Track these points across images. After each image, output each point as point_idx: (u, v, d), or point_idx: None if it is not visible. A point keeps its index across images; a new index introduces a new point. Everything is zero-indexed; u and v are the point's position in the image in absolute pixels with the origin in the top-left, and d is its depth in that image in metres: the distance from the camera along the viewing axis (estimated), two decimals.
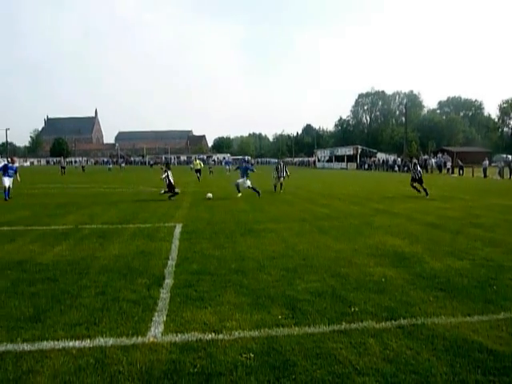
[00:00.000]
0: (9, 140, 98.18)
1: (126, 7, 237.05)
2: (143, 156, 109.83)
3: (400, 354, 3.23)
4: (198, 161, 31.53)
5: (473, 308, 4.19)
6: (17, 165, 16.90)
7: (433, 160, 47.49)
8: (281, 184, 18.63)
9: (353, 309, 4.15)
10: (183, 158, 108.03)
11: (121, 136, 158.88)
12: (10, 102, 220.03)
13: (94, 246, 7.15)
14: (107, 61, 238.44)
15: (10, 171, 15.74)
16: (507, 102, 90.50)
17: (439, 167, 44.68)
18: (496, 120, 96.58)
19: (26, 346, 3.34)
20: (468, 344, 3.39)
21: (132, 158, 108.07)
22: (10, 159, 17.70)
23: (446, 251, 6.74)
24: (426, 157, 51.03)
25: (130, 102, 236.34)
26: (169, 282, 5.04)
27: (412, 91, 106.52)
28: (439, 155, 50.61)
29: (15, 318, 3.92)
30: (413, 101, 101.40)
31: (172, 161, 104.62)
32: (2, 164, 16.44)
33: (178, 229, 8.81)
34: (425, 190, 16.36)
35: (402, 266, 5.81)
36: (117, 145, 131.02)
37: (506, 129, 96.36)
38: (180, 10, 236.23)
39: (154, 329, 3.68)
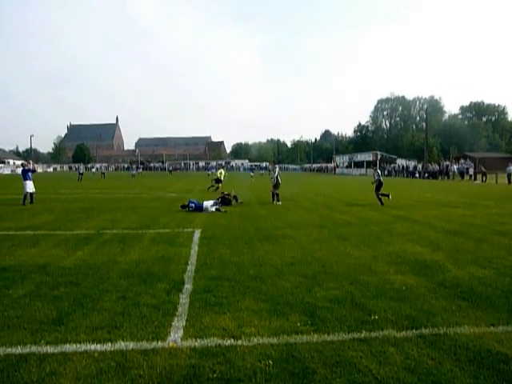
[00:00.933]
0: (33, 146, 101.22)
1: (144, 17, 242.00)
2: (163, 162, 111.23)
3: (422, 364, 3.17)
4: (222, 170, 25.77)
5: (497, 318, 4.08)
6: (31, 167, 17.30)
7: (455, 166, 46.55)
8: (274, 194, 16.20)
9: (373, 317, 4.10)
10: (202, 163, 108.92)
11: (141, 142, 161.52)
12: (35, 109, 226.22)
13: (114, 250, 7.27)
14: (127, 69, 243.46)
15: (29, 174, 16.15)
16: None
17: (461, 173, 43.75)
18: None
19: (50, 349, 3.41)
20: (492, 355, 3.30)
21: (152, 164, 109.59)
22: (23, 163, 18.10)
23: (469, 259, 6.59)
24: (447, 163, 50.05)
25: (150, 109, 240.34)
26: (188, 287, 5.08)
27: (433, 96, 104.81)
28: (461, 161, 49.56)
29: (39, 320, 4.02)
30: (434, 106, 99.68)
31: (191, 167, 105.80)
32: (22, 169, 16.83)
33: (197, 234, 8.88)
34: (379, 198, 15.62)
35: (423, 274, 5.71)
36: (137, 151, 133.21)
37: None
38: (198, 18, 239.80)
39: (174, 334, 3.71)
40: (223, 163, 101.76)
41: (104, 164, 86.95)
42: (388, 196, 15.81)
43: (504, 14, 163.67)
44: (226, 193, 16.12)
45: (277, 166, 17.48)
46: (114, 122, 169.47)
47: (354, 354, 3.34)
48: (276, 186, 16.14)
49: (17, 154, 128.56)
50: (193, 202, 13.59)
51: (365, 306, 4.44)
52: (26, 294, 4.82)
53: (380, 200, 15.51)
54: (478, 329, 3.82)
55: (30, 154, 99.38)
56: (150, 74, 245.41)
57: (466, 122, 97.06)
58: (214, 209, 13.28)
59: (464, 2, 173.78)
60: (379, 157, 66.73)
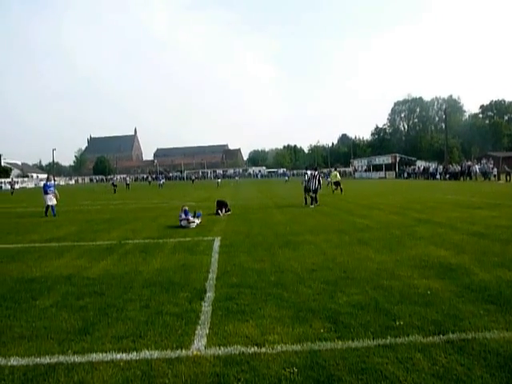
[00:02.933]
0: (55, 160, 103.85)
1: (159, 29, 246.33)
2: (181, 171, 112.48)
3: (450, 370, 3.09)
4: (336, 172, 27.44)
5: None
6: (53, 182, 18.28)
7: (476, 167, 45.48)
8: (312, 198, 17.42)
9: (398, 322, 4.03)
10: (219, 171, 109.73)
11: (159, 153, 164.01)
12: (57, 124, 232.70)
13: (137, 260, 7.37)
14: (143, 81, 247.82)
15: (51, 188, 16.89)
16: None
17: (484, 174, 42.71)
18: None
19: (77, 358, 3.48)
20: None
21: (170, 174, 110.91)
22: (47, 178, 19.12)
23: (496, 262, 6.40)
24: (469, 163, 48.96)
25: (167, 119, 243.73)
26: (210, 295, 5.10)
27: (451, 96, 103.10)
28: (483, 161, 48.36)
29: (65, 330, 4.10)
30: (453, 106, 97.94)
31: (208, 175, 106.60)
32: (43, 183, 17.80)
33: (217, 242, 8.92)
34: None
35: (448, 278, 5.58)
36: (155, 161, 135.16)
37: None
38: (211, 28, 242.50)
39: (198, 342, 3.73)
40: (240, 171, 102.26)
41: (123, 175, 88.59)
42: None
43: None
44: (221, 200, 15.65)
45: (316, 171, 18.45)
46: (133, 133, 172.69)
47: (379, 360, 3.29)
48: (316, 190, 17.40)
49: (40, 168, 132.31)
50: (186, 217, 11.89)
51: (389, 311, 4.36)
52: (52, 304, 4.93)
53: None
54: (509, 333, 3.70)
55: (52, 168, 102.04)
56: (166, 85, 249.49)
57: (487, 122, 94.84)
58: (194, 224, 11.71)
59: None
60: (398, 159, 65.85)
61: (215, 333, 3.91)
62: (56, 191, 17.29)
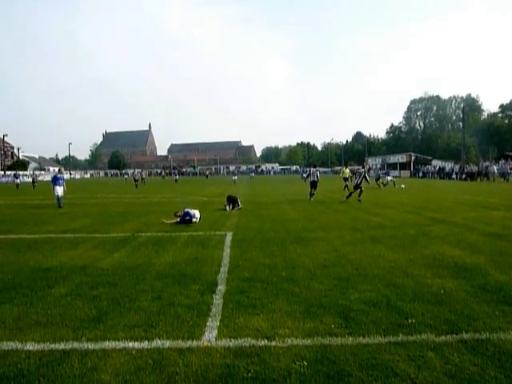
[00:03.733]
0: (71, 154, 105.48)
1: (173, 25, 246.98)
2: (194, 167, 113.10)
3: (463, 370, 3.06)
4: (347, 169, 28.23)
5: None
6: (64, 175, 18.63)
7: (495, 167, 44.61)
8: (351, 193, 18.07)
9: (410, 320, 3.99)
10: (232, 168, 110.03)
11: (173, 148, 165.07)
12: (73, 119, 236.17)
13: (149, 252, 7.44)
14: (158, 77, 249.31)
15: (60, 181, 17.34)
16: None
17: (502, 175, 41.88)
18: None
19: (90, 345, 3.54)
20: None
21: (184, 169, 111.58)
22: (58, 170, 19.46)
23: None
24: (486, 163, 48.06)
25: (181, 116, 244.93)
26: (221, 288, 5.13)
27: (470, 94, 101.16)
28: (501, 162, 47.45)
29: (80, 318, 4.17)
30: (471, 105, 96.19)
31: (221, 171, 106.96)
32: (53, 175, 18.27)
33: (229, 237, 8.95)
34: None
35: (462, 278, 5.49)
36: (169, 156, 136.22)
37: None
38: (226, 24, 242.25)
39: (208, 333, 3.75)
40: (253, 167, 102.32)
41: (138, 170, 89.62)
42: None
43: None
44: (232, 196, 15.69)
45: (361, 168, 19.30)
46: (147, 128, 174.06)
47: (390, 357, 3.27)
48: (356, 186, 17.76)
49: (56, 162, 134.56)
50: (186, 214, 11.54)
51: (401, 309, 4.32)
52: (67, 293, 5.02)
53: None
54: None
55: (68, 162, 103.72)
56: (180, 82, 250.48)
57: (507, 121, 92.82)
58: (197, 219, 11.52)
59: None
60: (413, 158, 65.03)
61: (226, 325, 3.93)
62: (64, 184, 17.61)
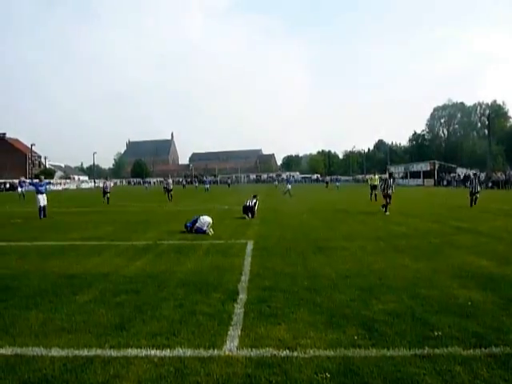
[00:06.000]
0: (95, 163, 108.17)
1: (195, 33, 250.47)
2: (215, 176, 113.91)
3: None
4: (376, 176, 26.88)
5: None
6: (46, 183, 17.69)
7: None
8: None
9: (436, 333, 3.87)
10: (253, 176, 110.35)
11: (194, 157, 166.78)
12: (98, 128, 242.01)
13: (171, 260, 7.51)
14: (181, 86, 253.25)
15: (41, 188, 16.36)
16: None
17: None
18: None
19: (113, 352, 3.58)
20: None
21: (205, 178, 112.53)
22: (38, 178, 18.29)
23: None
24: None
25: (203, 124, 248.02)
26: (242, 297, 5.11)
27: (495, 101, 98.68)
28: None
29: (103, 325, 4.23)
30: (497, 111, 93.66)
31: (242, 179, 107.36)
32: (34, 183, 16.95)
33: (250, 246, 8.95)
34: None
35: (490, 289, 5.31)
36: (191, 165, 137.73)
37: None
38: (248, 32, 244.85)
39: (230, 342, 3.74)
40: (274, 175, 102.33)
41: (159, 178, 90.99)
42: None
43: None
44: (250, 203, 15.47)
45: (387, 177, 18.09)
46: (170, 137, 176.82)
47: (416, 370, 3.17)
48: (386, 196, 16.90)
49: (81, 170, 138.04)
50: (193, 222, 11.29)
51: (426, 321, 4.21)
52: (91, 299, 5.11)
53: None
54: None
55: (93, 171, 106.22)
56: (201, 90, 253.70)
57: None
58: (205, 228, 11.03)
59: None
60: (437, 166, 63.71)
61: (247, 334, 3.91)
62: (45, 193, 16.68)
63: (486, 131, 69.29)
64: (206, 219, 11.26)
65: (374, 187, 25.03)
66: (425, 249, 8.30)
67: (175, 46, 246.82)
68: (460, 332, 3.90)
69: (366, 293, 5.24)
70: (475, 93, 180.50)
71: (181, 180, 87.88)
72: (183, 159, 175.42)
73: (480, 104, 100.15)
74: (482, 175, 50.63)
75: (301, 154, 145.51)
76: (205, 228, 11.08)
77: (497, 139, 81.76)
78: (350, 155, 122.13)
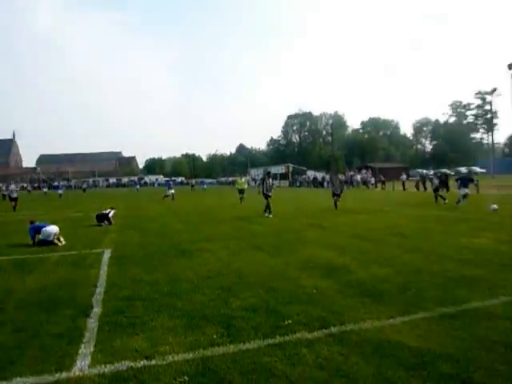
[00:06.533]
0: None
1: (43, 28, 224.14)
2: (68, 180, 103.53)
3: (331, 361, 3.35)
4: (243, 179, 26.62)
5: (395, 310, 4.48)
6: None
7: (358, 176, 50.49)
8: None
9: (286, 321, 4.24)
10: (112, 180, 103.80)
11: (43, 159, 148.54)
12: None
13: (10, 278, 6.55)
14: (26, 80, 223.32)
15: None
16: (419, 122, 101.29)
17: (364, 182, 47.59)
18: (411, 138, 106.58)
19: None
20: (392, 344, 3.62)
21: (55, 183, 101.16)
22: None
23: (371, 260, 7.15)
24: (351, 173, 54.08)
25: (51, 123, 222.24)
26: (97, 310, 4.76)
27: (337, 112, 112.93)
28: (363, 171, 53.90)
29: None
30: (338, 121, 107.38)
31: (100, 183, 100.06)
32: None
33: (107, 254, 8.39)
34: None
35: (332, 277, 6.05)
36: (38, 169, 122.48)
37: (419, 146, 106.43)
38: (101, 30, 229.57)
39: (81, 362, 3.45)
40: (136, 179, 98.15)
41: (12, 186, 78.22)
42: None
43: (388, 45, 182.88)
44: (104, 211, 14.57)
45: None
46: (11, 137, 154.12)
47: (269, 359, 3.42)
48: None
49: None
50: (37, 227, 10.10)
51: (279, 311, 4.57)
52: None
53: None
54: (380, 322, 4.16)
55: None
56: (52, 87, 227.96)
57: (366, 136, 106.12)
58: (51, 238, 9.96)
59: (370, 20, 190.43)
60: (291, 169, 69.83)
61: (101, 350, 3.66)
62: None
63: (330, 138, 78.75)
64: (49, 230, 10.02)
65: (241, 191, 24.44)
66: (280, 245, 9.00)
67: (18, 37, 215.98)
68: (306, 318, 4.34)
69: (226, 292, 5.42)
70: (322, 103, 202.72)
71: (25, 185, 77.17)
72: (28, 162, 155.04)
73: (325, 114, 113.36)
74: (327, 176, 57.40)
75: (164, 157, 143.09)
76: (50, 239, 9.93)
77: (339, 145, 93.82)
78: (213, 158, 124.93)
